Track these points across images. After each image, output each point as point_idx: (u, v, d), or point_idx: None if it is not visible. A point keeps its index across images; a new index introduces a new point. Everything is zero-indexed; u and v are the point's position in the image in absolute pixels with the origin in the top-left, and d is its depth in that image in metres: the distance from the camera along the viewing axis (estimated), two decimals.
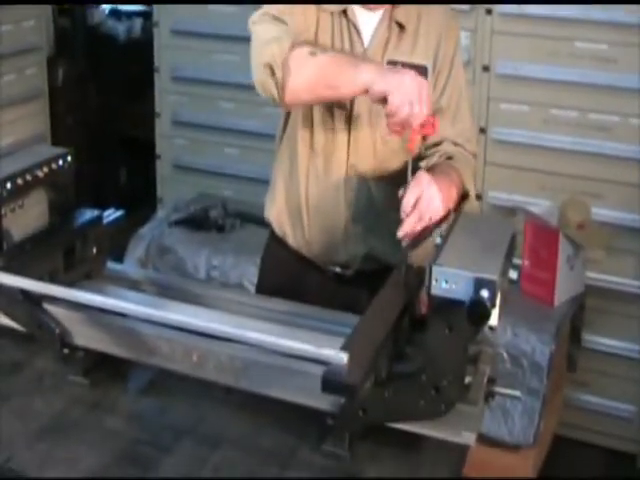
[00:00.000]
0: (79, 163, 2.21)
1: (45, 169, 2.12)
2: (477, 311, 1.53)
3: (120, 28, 5.52)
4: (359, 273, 2.25)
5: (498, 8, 3.46)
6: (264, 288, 2.37)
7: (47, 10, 4.72)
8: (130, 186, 5.49)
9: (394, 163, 2.15)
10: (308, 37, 2.04)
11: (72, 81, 4.90)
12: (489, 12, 3.48)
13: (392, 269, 2.01)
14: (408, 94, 1.82)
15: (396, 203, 1.91)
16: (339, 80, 1.91)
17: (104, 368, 1.94)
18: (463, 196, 2.08)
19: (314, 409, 1.70)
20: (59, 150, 2.21)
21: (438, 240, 1.74)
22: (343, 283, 2.26)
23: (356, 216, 2.19)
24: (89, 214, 2.22)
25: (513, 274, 3.21)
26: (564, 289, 3.23)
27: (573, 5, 3.33)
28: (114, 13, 5.71)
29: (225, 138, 4.18)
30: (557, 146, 3.46)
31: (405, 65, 2.00)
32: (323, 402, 1.67)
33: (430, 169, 2.02)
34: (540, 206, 3.35)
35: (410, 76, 1.85)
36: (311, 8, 2.06)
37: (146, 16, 5.31)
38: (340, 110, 2.11)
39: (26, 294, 1.93)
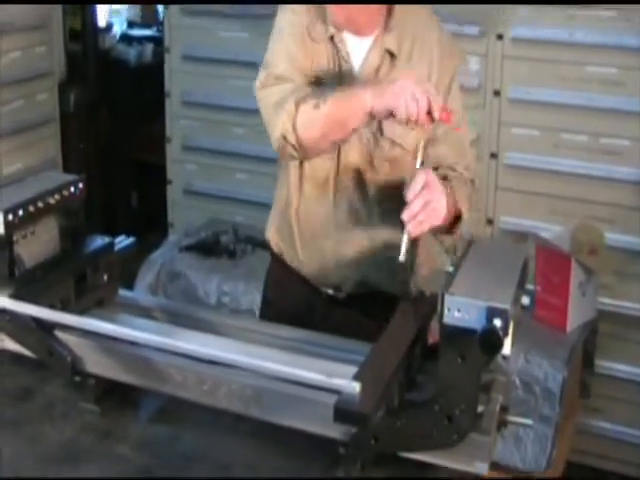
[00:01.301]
0: (90, 188, 2.21)
1: (57, 196, 2.12)
2: (490, 340, 1.53)
3: (131, 53, 5.56)
4: (353, 296, 2.26)
5: (509, 33, 3.47)
6: (266, 306, 2.45)
7: (58, 35, 4.75)
8: (141, 211, 5.50)
9: (382, 188, 2.17)
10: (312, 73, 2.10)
11: (83, 106, 4.91)
12: (500, 37, 3.49)
13: (386, 294, 2.11)
14: (406, 94, 1.87)
15: (389, 228, 1.95)
16: (345, 120, 1.96)
17: (115, 395, 1.94)
18: (457, 216, 2.09)
19: (325, 437, 1.69)
20: (71, 177, 2.21)
21: (450, 268, 1.73)
22: (337, 305, 2.28)
23: (346, 239, 2.21)
24: (100, 241, 2.22)
25: (525, 300, 3.18)
26: (576, 314, 3.21)
27: (583, 30, 3.33)
28: (125, 38, 5.75)
29: (236, 163, 4.19)
30: (568, 170, 3.46)
31: None
32: (334, 430, 1.66)
33: None
34: (551, 231, 3.34)
35: (400, 81, 1.90)
36: (306, 44, 2.10)
37: (157, 41, 5.34)
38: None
39: (38, 321, 1.93)
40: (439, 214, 1.93)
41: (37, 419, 1.91)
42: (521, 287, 1.69)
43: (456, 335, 1.57)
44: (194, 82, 4.25)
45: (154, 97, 4.52)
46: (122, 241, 2.29)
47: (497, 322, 1.53)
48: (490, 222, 3.62)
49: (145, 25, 6.03)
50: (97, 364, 1.91)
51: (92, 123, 5.03)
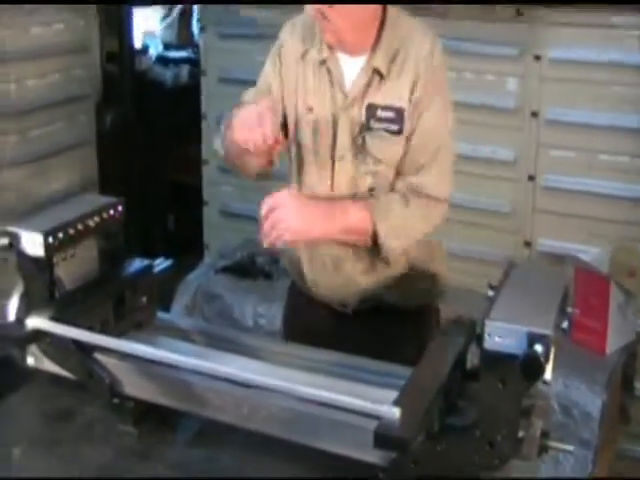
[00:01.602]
0: (127, 209, 2.23)
1: (96, 218, 2.13)
2: (531, 366, 1.51)
3: (167, 74, 5.60)
4: (359, 311, 2.31)
5: (547, 54, 3.47)
6: (285, 324, 2.58)
7: (95, 58, 4.81)
8: (177, 232, 5.52)
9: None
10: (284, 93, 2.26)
11: (120, 127, 4.96)
12: (538, 58, 3.49)
13: (391, 307, 2.24)
14: (245, 124, 2.03)
15: None
16: (228, 145, 2.22)
17: (153, 418, 1.94)
18: (374, 238, 2.09)
19: (364, 462, 1.68)
20: (110, 199, 2.23)
21: (490, 292, 1.72)
22: (345, 320, 2.34)
23: (342, 253, 2.24)
24: (139, 263, 2.23)
25: (563, 323, 3.16)
26: (615, 337, 3.18)
27: (621, 50, 3.32)
28: (161, 60, 5.80)
29: (272, 184, 4.18)
30: (605, 192, 3.45)
31: (383, 107, 2.12)
32: (373, 455, 1.65)
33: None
34: (590, 253, 3.32)
35: (243, 111, 2.07)
36: (290, 66, 2.23)
37: (193, 63, 5.39)
38: (325, 151, 2.20)
39: (77, 343, 1.94)
40: (291, 230, 2.03)
41: (76, 440, 1.92)
42: (562, 312, 1.68)
43: (497, 361, 1.56)
44: (230, 105, 4.24)
45: (190, 118, 4.55)
46: (160, 263, 2.29)
47: (538, 348, 1.51)
48: (528, 244, 3.60)
49: (181, 47, 6.08)
50: (135, 386, 1.91)
51: (129, 144, 5.09)
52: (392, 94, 2.13)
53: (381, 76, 2.13)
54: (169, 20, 6.24)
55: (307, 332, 2.33)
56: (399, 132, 2.12)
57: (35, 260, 2.00)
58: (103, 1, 4.81)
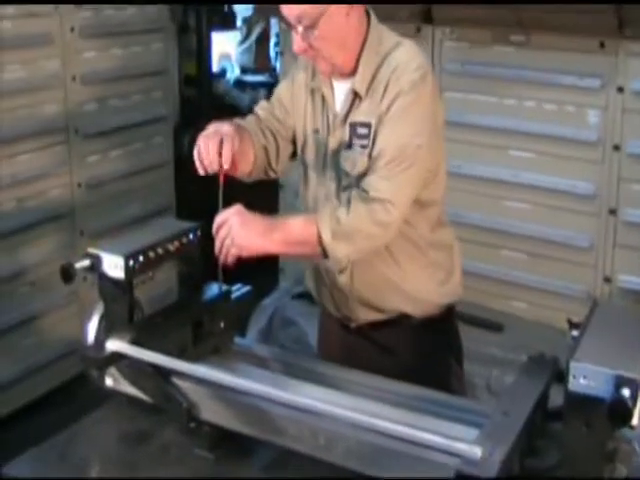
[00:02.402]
0: (204, 234, 2.25)
1: (175, 243, 2.16)
2: (619, 411, 1.48)
3: (245, 98, 5.64)
4: (364, 325, 2.34)
5: (630, 86, 3.41)
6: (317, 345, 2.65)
7: (174, 81, 4.88)
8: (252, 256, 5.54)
9: None
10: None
11: None
12: (620, 90, 3.43)
13: (396, 319, 2.28)
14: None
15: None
16: None
17: (229, 443, 1.94)
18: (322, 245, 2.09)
19: None
20: (189, 224, 2.26)
21: (574, 332, 1.69)
22: (351, 334, 2.37)
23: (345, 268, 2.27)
24: (217, 288, 2.25)
25: None
26: None
27: None
28: (239, 84, 5.86)
29: None
30: None
31: (360, 124, 2.18)
32: None
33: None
34: None
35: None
36: (301, 88, 2.31)
37: (270, 87, 5.42)
38: (321, 169, 2.28)
39: (155, 367, 1.95)
40: (236, 245, 2.08)
41: (153, 462, 1.94)
42: None
43: (582, 403, 1.53)
44: None
45: None
46: (238, 289, 2.30)
47: (626, 392, 1.48)
48: (608, 280, 3.53)
49: (258, 71, 6.14)
50: (212, 412, 1.92)
51: None
52: (366, 111, 2.18)
53: (360, 97, 2.19)
54: (247, 44, 6.31)
55: (326, 350, 2.49)
56: (367, 146, 2.17)
57: (115, 282, 2.04)
58: (183, 28, 4.89)
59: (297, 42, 2.13)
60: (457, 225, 3.28)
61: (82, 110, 4.10)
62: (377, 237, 2.12)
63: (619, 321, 1.74)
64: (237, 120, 2.31)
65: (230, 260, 2.10)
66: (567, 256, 3.64)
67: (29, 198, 3.85)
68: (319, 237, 2.07)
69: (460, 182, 3.70)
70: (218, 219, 2.11)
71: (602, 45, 3.46)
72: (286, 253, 2.24)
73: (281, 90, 2.39)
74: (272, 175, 2.43)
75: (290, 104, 2.34)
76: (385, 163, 2.10)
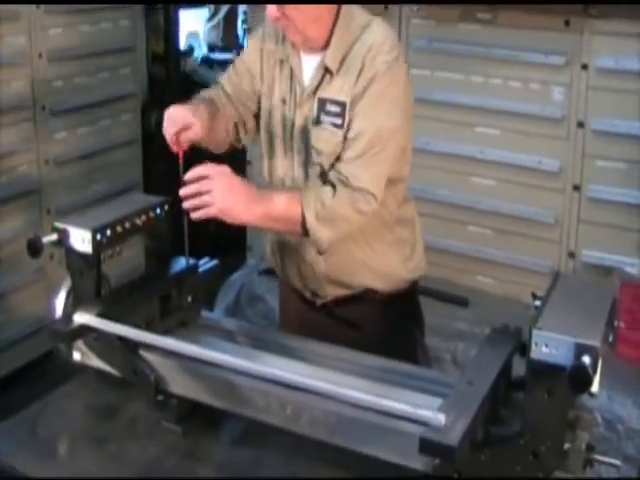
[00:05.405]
0: (171, 209, 2.25)
1: (143, 217, 2.16)
2: (579, 378, 1.50)
3: (212, 76, 5.61)
4: (329, 302, 2.36)
5: (594, 63, 3.44)
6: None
7: (141, 58, 4.86)
8: (219, 232, 5.53)
9: None
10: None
11: None
12: (585, 67, 3.46)
13: (362, 295, 2.30)
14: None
15: None
16: None
17: (197, 416, 1.96)
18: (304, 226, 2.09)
19: (407, 468, 1.68)
20: (157, 199, 2.25)
21: (537, 302, 1.71)
22: (313, 310, 2.38)
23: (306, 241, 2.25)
24: (184, 262, 2.25)
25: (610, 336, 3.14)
26: None
27: None
28: (206, 61, 5.83)
29: None
30: None
31: (331, 101, 2.18)
32: (417, 461, 1.65)
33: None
34: (636, 266, 3.28)
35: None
36: (255, 62, 2.32)
37: None
38: (287, 141, 2.28)
39: (123, 340, 1.96)
40: (215, 207, 2.03)
41: (121, 437, 1.95)
42: (610, 325, 1.67)
43: (544, 371, 1.55)
44: None
45: None
46: (205, 263, 2.31)
47: (586, 359, 1.51)
48: (572, 255, 3.57)
49: (226, 49, 6.11)
50: (180, 385, 1.93)
51: None
52: (339, 89, 2.18)
53: (331, 73, 2.19)
54: (214, 21, 6.28)
55: (288, 327, 2.47)
56: (342, 126, 2.16)
57: (83, 257, 2.03)
58: (149, 2, 4.85)
59: (271, 8, 2.12)
60: (424, 201, 3.33)
61: (49, 87, 4.06)
62: (356, 223, 2.15)
63: (580, 291, 1.77)
64: (205, 94, 2.33)
65: (200, 215, 2.04)
66: (532, 232, 3.69)
67: None
68: (302, 217, 2.08)
69: (427, 159, 3.73)
70: (201, 169, 2.06)
71: (567, 23, 3.49)
72: (264, 227, 2.20)
73: (249, 57, 2.36)
74: (239, 145, 2.45)
75: (258, 70, 2.33)
76: (363, 147, 2.12)
